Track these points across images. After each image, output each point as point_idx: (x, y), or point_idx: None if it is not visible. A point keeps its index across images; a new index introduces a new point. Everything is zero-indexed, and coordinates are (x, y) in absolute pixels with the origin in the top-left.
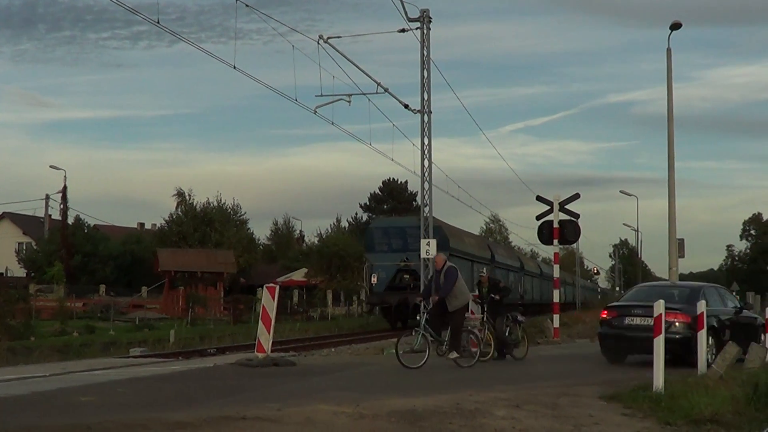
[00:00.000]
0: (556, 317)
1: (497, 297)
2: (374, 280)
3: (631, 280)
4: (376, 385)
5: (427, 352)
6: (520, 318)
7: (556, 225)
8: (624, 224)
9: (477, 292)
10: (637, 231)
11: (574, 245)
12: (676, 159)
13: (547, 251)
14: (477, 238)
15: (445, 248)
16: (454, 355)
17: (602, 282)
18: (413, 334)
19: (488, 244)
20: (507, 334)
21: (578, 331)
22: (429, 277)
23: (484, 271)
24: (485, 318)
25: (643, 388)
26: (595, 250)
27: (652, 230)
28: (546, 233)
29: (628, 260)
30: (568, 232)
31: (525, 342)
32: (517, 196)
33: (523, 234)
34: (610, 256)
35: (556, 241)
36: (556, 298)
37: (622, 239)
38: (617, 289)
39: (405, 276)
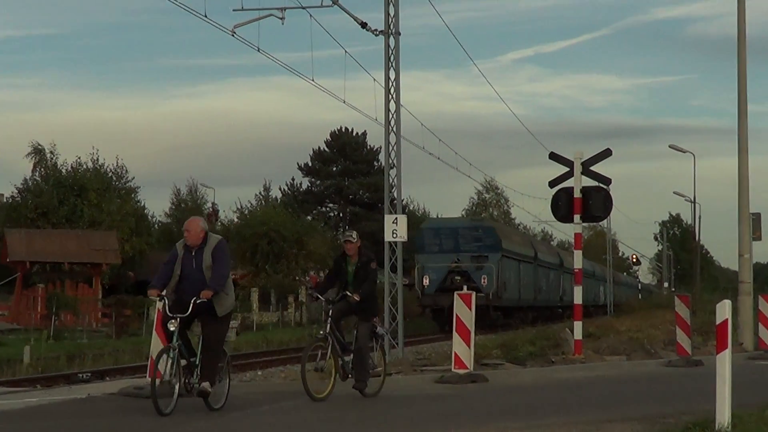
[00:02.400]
0: (577, 325)
1: (355, 297)
2: (426, 282)
3: (685, 272)
4: (318, 424)
5: (175, 388)
6: (379, 330)
7: (577, 194)
8: (675, 193)
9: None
10: (694, 203)
11: (604, 223)
12: (750, 100)
13: (566, 232)
14: (520, 235)
15: (497, 250)
16: (206, 387)
17: (644, 276)
18: (169, 355)
19: (531, 241)
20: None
21: (609, 345)
22: (168, 259)
23: (354, 236)
24: (330, 326)
25: (702, 426)
26: (634, 231)
27: (714, 202)
28: (563, 206)
29: (680, 245)
30: (596, 204)
31: (382, 367)
32: (522, 154)
33: (531, 207)
34: (656, 239)
35: (577, 217)
36: (577, 298)
37: (673, 215)
38: (666, 285)
39: (456, 277)
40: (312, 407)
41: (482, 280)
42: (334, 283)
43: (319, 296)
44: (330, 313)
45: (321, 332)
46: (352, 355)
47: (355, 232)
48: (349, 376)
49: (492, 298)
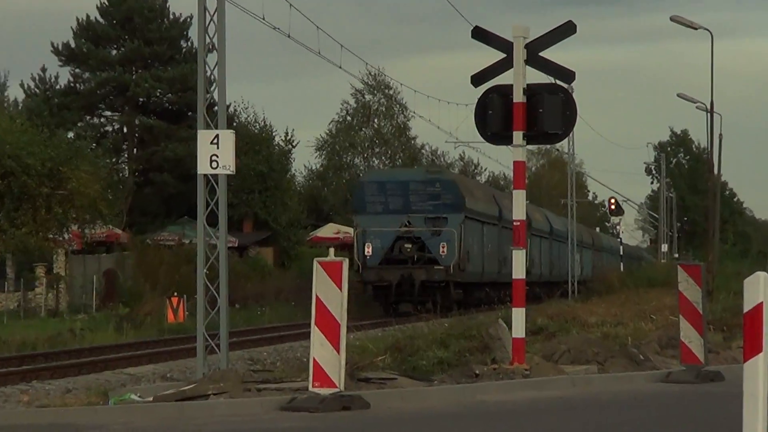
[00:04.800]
0: (518, 314)
1: None
2: (368, 250)
3: (697, 226)
4: None
5: None
6: None
7: (519, 98)
8: (680, 96)
9: None
10: (711, 112)
11: (563, 146)
12: None
13: (501, 160)
14: (483, 188)
15: (459, 210)
16: None
17: (629, 233)
18: None
19: (493, 196)
20: None
21: (570, 348)
22: None
23: None
24: None
25: None
26: (613, 159)
27: (745, 111)
28: (496, 117)
29: (689, 182)
30: (549, 114)
31: None
32: (428, 31)
33: (443, 118)
34: (649, 173)
35: (519, 136)
36: (518, 270)
37: (677, 132)
38: (664, 248)
39: (407, 245)
40: None
41: (440, 249)
42: None
43: None
44: None
45: None
46: None
47: None
48: None
49: (453, 272)
